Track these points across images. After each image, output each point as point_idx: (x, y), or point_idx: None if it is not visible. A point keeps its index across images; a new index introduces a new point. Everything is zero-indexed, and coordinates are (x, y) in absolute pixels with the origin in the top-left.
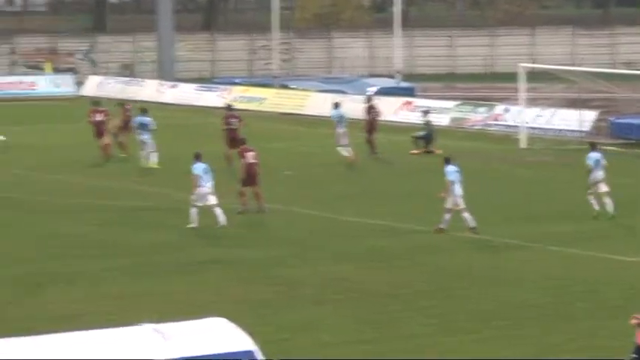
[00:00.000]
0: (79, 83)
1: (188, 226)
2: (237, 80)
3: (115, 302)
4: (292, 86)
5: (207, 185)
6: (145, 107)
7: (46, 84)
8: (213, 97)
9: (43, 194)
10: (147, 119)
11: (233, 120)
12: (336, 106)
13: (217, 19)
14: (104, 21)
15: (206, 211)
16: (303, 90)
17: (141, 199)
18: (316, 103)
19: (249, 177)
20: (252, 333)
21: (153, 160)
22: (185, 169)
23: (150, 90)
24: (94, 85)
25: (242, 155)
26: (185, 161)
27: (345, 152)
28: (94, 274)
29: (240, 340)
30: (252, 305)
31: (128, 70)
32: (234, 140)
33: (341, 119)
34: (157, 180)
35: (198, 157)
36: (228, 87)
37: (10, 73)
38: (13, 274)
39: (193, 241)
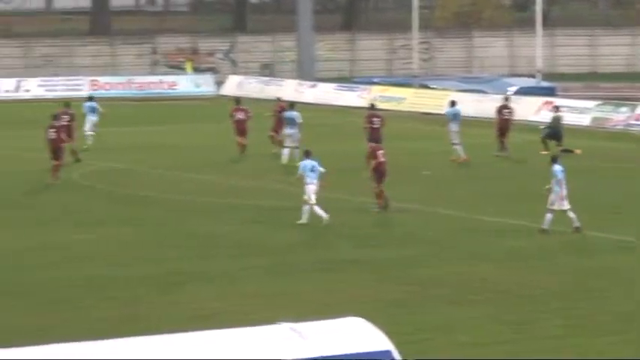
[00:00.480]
0: (219, 83)
1: (298, 222)
2: (376, 80)
3: (252, 301)
4: (432, 86)
5: (313, 182)
6: (292, 102)
7: (187, 84)
8: (353, 97)
9: (184, 193)
10: (294, 113)
11: (376, 119)
12: (452, 104)
13: (357, 18)
14: (244, 21)
15: (340, 210)
16: (443, 89)
17: (280, 199)
18: None
19: (378, 175)
20: (388, 333)
21: (295, 157)
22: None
23: (289, 90)
24: (234, 85)
25: (374, 155)
26: (324, 162)
27: (458, 152)
28: (232, 273)
29: (377, 339)
30: (388, 305)
31: (268, 70)
32: (376, 140)
33: (455, 117)
34: (296, 179)
35: (307, 155)
36: (367, 87)
37: (152, 73)
38: (151, 273)
39: (329, 240)
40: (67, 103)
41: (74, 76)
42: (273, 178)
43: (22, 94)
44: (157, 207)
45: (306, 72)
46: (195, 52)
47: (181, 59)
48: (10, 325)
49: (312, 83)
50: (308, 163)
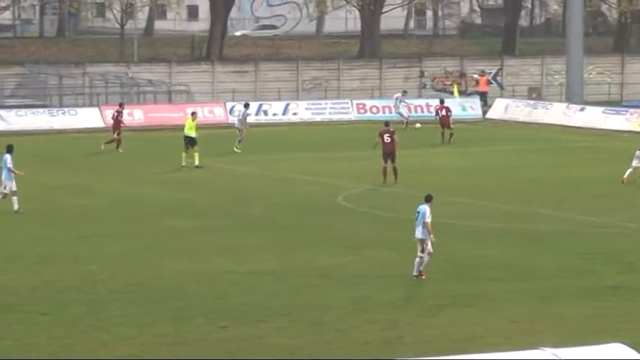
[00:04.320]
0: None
1: None
2: None
3: (514, 326)
4: None
5: None
6: None
7: (453, 107)
8: (621, 121)
9: (446, 217)
10: None
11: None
12: None
13: (628, 41)
14: (514, 44)
15: (604, 235)
16: None
17: (555, 223)
18: None
19: None
20: None
21: None
22: (590, 193)
23: (556, 113)
24: (501, 109)
25: None
26: (588, 185)
27: None
28: (495, 297)
29: None
30: None
31: (535, 94)
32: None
33: None
34: (561, 204)
35: None
36: (636, 110)
37: (419, 96)
38: (412, 295)
39: (599, 266)
40: None
41: (341, 99)
42: (540, 203)
43: (290, 117)
44: None
45: (574, 95)
46: (462, 75)
47: (448, 82)
48: (279, 344)
49: (580, 107)
50: None
